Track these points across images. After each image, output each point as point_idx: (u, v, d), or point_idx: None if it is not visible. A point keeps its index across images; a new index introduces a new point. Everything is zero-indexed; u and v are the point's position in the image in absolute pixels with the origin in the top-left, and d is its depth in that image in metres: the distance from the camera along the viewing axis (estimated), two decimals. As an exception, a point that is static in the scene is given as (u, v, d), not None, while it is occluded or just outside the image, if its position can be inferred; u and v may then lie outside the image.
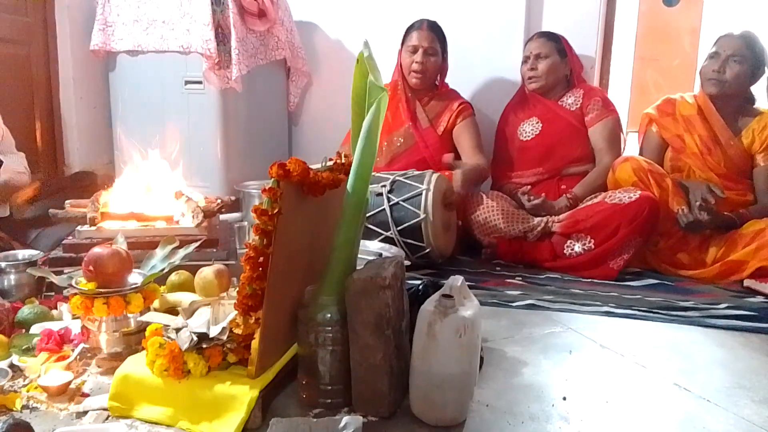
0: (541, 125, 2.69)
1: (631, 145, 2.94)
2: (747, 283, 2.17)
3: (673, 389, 1.42)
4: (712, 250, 2.32)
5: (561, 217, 2.41)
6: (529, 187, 2.56)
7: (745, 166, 2.47)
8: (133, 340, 1.43)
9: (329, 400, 1.26)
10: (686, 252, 2.36)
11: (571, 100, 2.69)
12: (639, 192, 2.30)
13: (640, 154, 2.62)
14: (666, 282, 2.25)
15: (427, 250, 2.28)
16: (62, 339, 1.48)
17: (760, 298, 2.06)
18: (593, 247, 2.30)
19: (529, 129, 2.71)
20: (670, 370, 1.51)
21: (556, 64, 2.66)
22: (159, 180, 2.13)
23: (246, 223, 2.04)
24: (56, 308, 1.70)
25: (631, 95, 5.07)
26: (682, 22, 5.31)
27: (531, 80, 2.69)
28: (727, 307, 1.95)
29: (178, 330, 1.27)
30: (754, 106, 2.51)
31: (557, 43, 2.67)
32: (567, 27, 2.78)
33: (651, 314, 1.89)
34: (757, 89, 2.49)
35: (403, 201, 2.27)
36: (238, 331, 1.23)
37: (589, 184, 2.55)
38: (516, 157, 2.74)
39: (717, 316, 1.88)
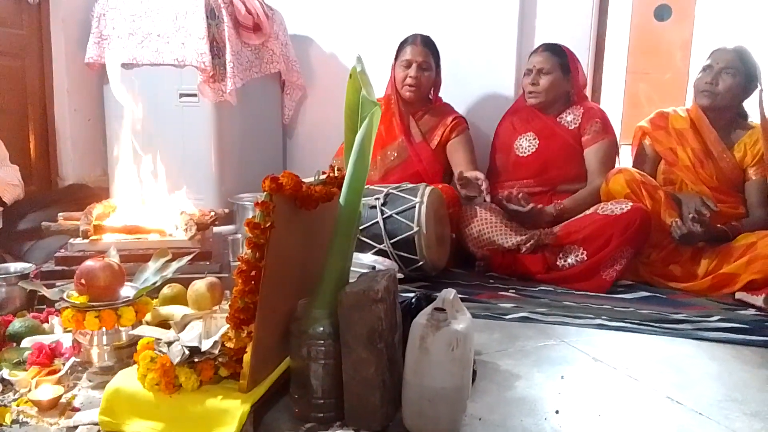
0: (538, 142, 2.68)
1: (624, 159, 2.96)
2: (739, 295, 2.18)
3: (666, 402, 1.42)
4: (704, 262, 2.33)
5: (555, 229, 2.42)
6: (515, 190, 2.49)
7: (737, 180, 2.49)
8: (125, 354, 1.42)
9: (321, 414, 1.25)
10: (678, 264, 2.37)
11: (570, 118, 2.67)
12: (630, 203, 2.31)
13: (633, 167, 2.63)
14: (658, 294, 2.25)
15: (421, 263, 2.28)
16: (53, 353, 1.48)
17: (752, 311, 2.06)
18: (586, 258, 2.31)
19: (526, 144, 2.70)
20: (662, 383, 1.52)
21: (558, 81, 2.63)
22: (154, 192, 2.14)
23: (240, 235, 2.03)
24: (48, 322, 1.69)
25: (624, 109, 5.11)
26: (674, 37, 5.37)
27: (531, 95, 2.66)
28: (720, 320, 1.96)
29: (169, 344, 1.27)
30: (747, 121, 2.52)
31: (561, 58, 2.64)
32: (559, 41, 2.78)
33: (643, 327, 1.89)
34: (749, 104, 2.50)
35: (397, 214, 2.27)
36: (230, 344, 1.22)
37: (578, 200, 2.54)
38: (511, 171, 2.73)
39: (709, 328, 1.88)
